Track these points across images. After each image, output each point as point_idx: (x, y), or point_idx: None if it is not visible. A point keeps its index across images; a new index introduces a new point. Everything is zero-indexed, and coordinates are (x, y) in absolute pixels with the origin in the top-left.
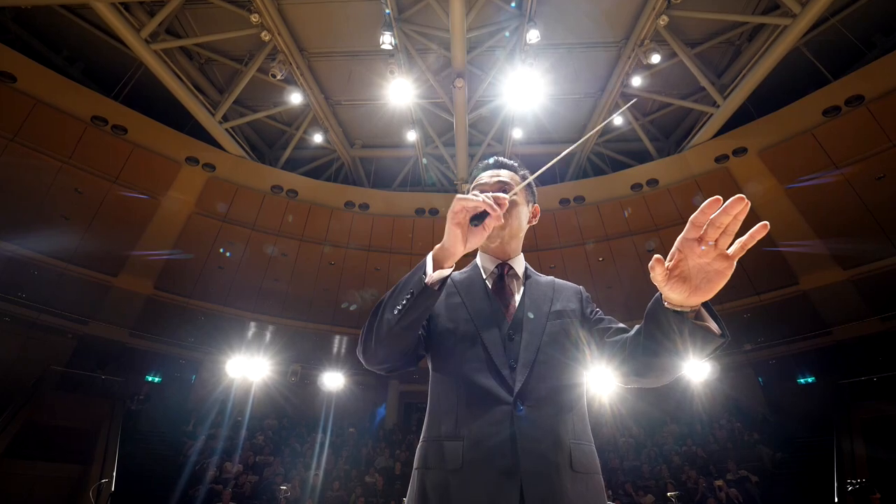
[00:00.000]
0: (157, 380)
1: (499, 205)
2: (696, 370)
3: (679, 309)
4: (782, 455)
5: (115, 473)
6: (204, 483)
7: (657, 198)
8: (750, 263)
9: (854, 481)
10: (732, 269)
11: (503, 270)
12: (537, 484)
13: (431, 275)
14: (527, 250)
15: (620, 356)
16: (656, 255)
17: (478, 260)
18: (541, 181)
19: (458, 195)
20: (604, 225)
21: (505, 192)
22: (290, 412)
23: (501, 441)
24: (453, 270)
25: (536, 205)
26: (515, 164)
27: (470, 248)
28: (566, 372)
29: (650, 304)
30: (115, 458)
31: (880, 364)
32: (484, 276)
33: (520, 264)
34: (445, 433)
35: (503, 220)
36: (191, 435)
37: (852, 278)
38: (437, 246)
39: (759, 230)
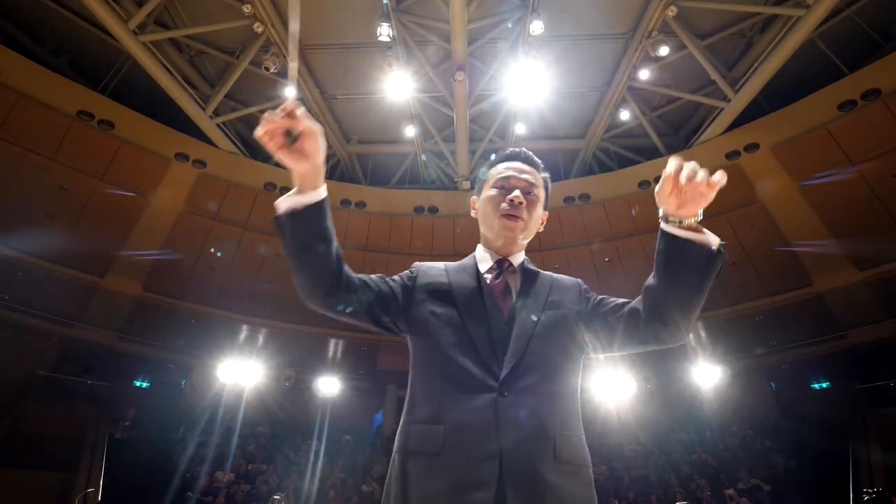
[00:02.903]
0: (145, 385)
1: (290, 115)
2: (706, 375)
3: (676, 219)
4: (796, 463)
5: (101, 482)
6: (194, 492)
7: None
8: (762, 264)
9: (870, 490)
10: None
11: (502, 266)
12: (517, 469)
13: (281, 203)
14: (530, 250)
15: (634, 318)
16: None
17: (477, 252)
18: None
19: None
20: (610, 224)
21: (530, 193)
22: (284, 419)
23: (484, 426)
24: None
25: (546, 212)
26: (541, 164)
27: (315, 157)
28: (557, 363)
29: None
30: (102, 467)
31: None
32: (482, 270)
33: (518, 260)
34: (427, 416)
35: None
36: (180, 442)
37: (868, 279)
38: None
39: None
